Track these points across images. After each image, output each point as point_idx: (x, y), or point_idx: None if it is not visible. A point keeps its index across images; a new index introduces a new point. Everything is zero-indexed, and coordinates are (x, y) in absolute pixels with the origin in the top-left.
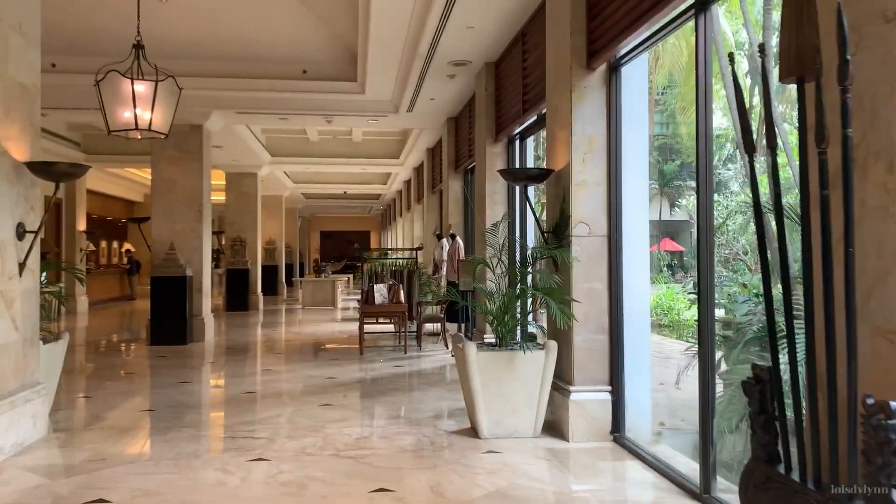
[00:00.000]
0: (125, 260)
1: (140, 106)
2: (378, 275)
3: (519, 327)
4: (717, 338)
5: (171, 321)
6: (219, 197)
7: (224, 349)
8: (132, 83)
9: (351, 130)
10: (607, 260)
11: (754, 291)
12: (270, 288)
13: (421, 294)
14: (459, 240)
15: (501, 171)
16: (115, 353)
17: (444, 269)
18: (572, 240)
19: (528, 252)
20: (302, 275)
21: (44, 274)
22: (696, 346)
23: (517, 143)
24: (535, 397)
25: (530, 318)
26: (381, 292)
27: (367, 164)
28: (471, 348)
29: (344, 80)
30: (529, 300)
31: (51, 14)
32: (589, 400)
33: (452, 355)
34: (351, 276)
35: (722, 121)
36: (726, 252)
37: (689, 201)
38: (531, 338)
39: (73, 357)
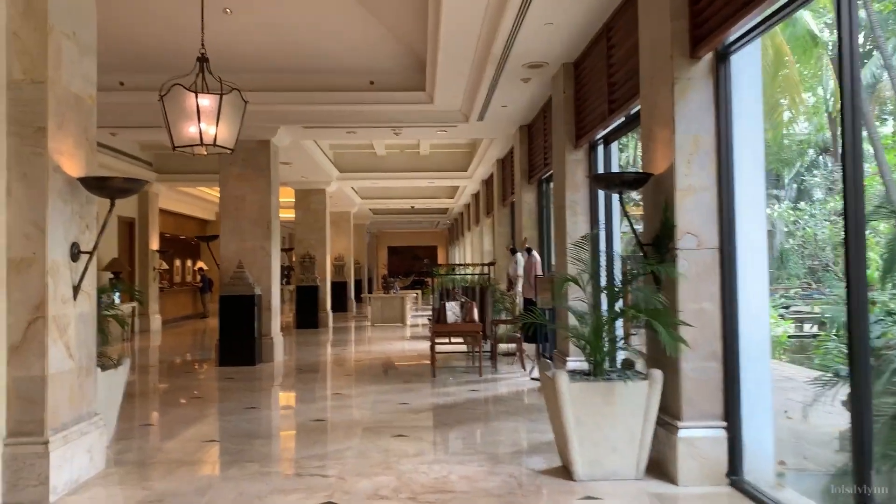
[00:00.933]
0: (198, 278)
1: (205, 120)
2: (449, 291)
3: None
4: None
5: (239, 341)
6: (288, 214)
7: (293, 370)
8: (196, 97)
9: (418, 143)
10: (719, 276)
11: (885, 310)
12: (340, 304)
13: (495, 312)
14: (536, 254)
15: (593, 177)
16: (183, 374)
17: (520, 285)
18: (677, 253)
19: (627, 268)
20: (370, 291)
21: (116, 293)
22: (829, 373)
23: (600, 148)
24: (637, 434)
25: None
26: (453, 310)
27: (435, 177)
28: (562, 379)
29: (412, 89)
30: (620, 322)
31: (117, 32)
32: (700, 437)
33: (532, 378)
34: (419, 292)
35: (804, 126)
36: (814, 263)
37: (774, 211)
38: (627, 365)
39: (142, 378)
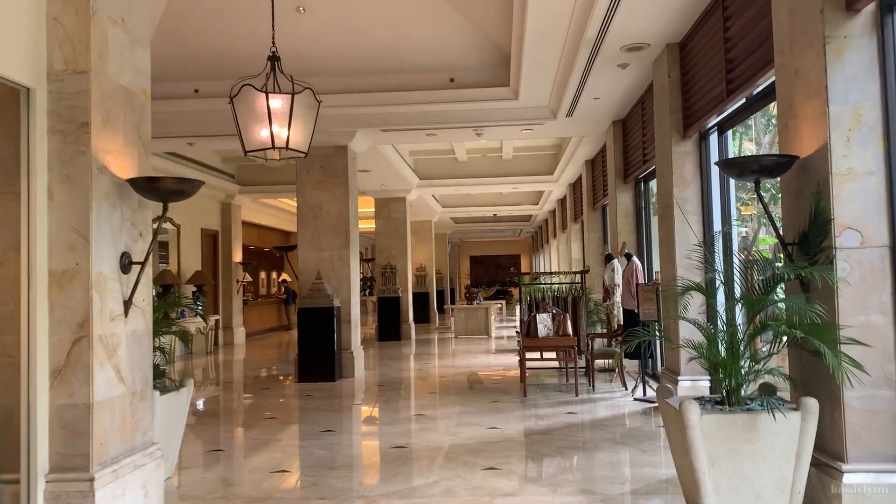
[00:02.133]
0: (282, 290)
1: (276, 122)
2: (538, 302)
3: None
4: None
5: (318, 356)
6: (368, 224)
7: (374, 386)
8: (267, 97)
9: (501, 147)
10: (891, 281)
11: None
12: (422, 315)
13: (589, 324)
14: (636, 260)
15: (723, 163)
16: (261, 390)
17: (618, 294)
18: (835, 253)
19: (769, 274)
20: (453, 301)
21: (199, 306)
22: None
23: (712, 137)
24: (787, 478)
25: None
26: (544, 323)
27: (519, 181)
28: (692, 410)
29: (495, 85)
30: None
31: (191, 38)
32: (872, 484)
33: (636, 399)
34: (504, 302)
35: None
36: None
37: None
38: (767, 391)
39: (217, 396)
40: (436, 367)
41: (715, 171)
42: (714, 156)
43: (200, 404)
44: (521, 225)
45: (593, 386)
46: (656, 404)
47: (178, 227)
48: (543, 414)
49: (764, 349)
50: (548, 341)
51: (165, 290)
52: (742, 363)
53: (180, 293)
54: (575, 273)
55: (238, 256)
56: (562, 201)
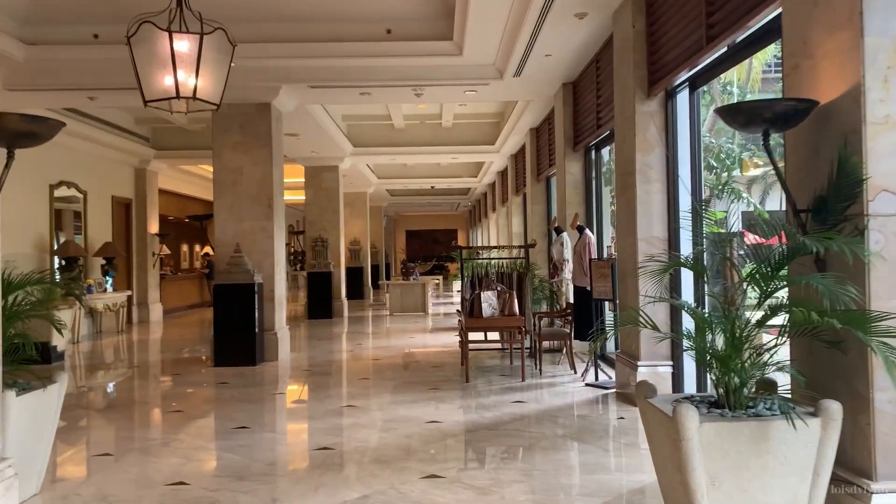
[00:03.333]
0: (204, 263)
1: (182, 68)
2: (480, 279)
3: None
4: None
5: (237, 338)
6: (298, 196)
7: (300, 372)
8: (171, 38)
9: (440, 113)
10: None
11: None
12: (356, 292)
13: (534, 302)
14: (590, 233)
15: (723, 111)
16: (171, 376)
17: (567, 270)
18: (868, 222)
19: (785, 247)
20: (388, 277)
21: (109, 280)
22: None
23: (682, 94)
24: (802, 499)
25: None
26: (489, 301)
27: (459, 151)
28: (689, 417)
29: (437, 38)
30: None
31: None
32: None
33: (588, 385)
34: (441, 278)
35: None
36: None
37: None
38: (765, 387)
39: (118, 385)
40: (369, 347)
41: (684, 134)
42: (683, 115)
43: (111, 388)
44: (459, 198)
45: (540, 370)
46: (611, 390)
47: (85, 195)
48: (488, 403)
49: (765, 339)
50: (493, 321)
51: (69, 263)
52: (743, 359)
53: (87, 266)
54: (520, 248)
55: (154, 227)
56: (502, 173)
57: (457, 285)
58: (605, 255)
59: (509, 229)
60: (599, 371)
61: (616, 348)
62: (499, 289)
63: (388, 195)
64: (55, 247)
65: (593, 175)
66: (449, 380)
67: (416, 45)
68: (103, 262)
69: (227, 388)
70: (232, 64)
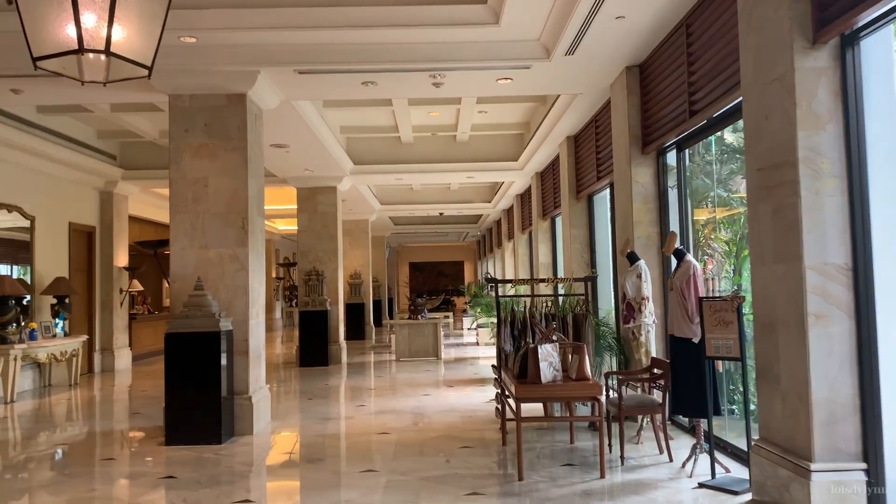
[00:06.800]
0: None
1: (90, 9)
2: (526, 323)
3: None
4: None
5: (197, 405)
6: (291, 225)
7: (280, 457)
8: None
9: (456, 123)
10: None
11: None
12: (356, 331)
13: (597, 356)
14: (694, 261)
15: None
16: (96, 467)
17: (648, 312)
18: None
19: None
20: (391, 314)
21: (58, 325)
22: None
23: (876, 39)
24: None
25: None
26: (549, 359)
27: (475, 169)
28: None
29: (466, 2)
30: None
31: None
32: None
33: (701, 485)
34: (451, 314)
35: None
36: None
37: None
38: None
39: (15, 485)
40: (374, 411)
41: (878, 103)
42: (877, 71)
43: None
44: (468, 228)
45: (622, 457)
46: (742, 497)
47: (32, 220)
48: None
49: None
50: (559, 389)
51: (2, 303)
52: None
53: (34, 307)
54: (582, 280)
55: (123, 260)
56: (522, 196)
57: (467, 322)
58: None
59: (533, 259)
60: (717, 464)
61: (749, 434)
62: (555, 338)
63: (391, 224)
64: None
65: (665, 185)
66: (491, 473)
67: (437, 9)
68: (53, 301)
69: (172, 491)
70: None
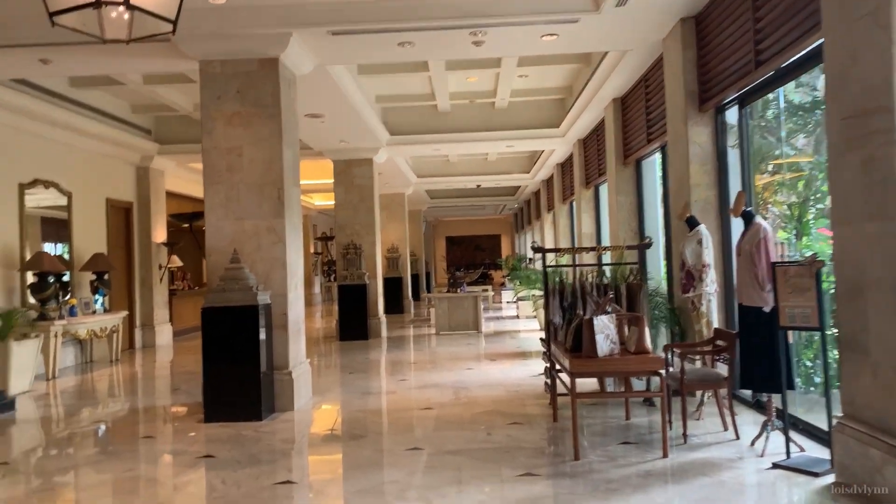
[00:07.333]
0: None
1: None
2: (577, 293)
3: None
4: None
5: (236, 381)
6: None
7: (321, 435)
8: None
9: (495, 90)
10: None
11: None
12: (394, 305)
13: (653, 327)
14: (765, 224)
15: None
16: (136, 445)
17: (710, 280)
18: None
19: None
20: (428, 288)
21: (98, 301)
22: None
23: None
24: None
25: None
26: (605, 331)
27: (514, 137)
28: None
29: None
30: None
31: None
32: None
33: (775, 465)
34: (489, 287)
35: None
36: None
37: None
38: None
39: (60, 463)
40: (415, 385)
41: None
42: None
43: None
44: (505, 200)
45: (685, 434)
46: (823, 479)
47: (70, 196)
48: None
49: None
50: (618, 364)
51: (43, 280)
52: None
53: (74, 284)
54: (628, 249)
55: (160, 236)
56: (563, 165)
57: (507, 295)
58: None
59: (575, 230)
60: (791, 442)
61: (829, 408)
62: (611, 308)
63: (427, 197)
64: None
65: (724, 145)
66: (542, 451)
67: None
68: (93, 277)
69: (211, 472)
70: None
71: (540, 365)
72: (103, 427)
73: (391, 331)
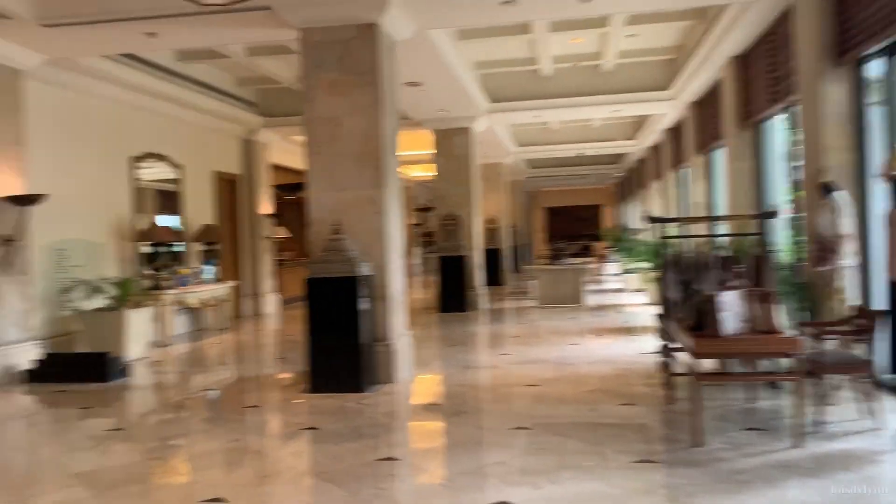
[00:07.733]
0: None
1: None
2: (699, 266)
3: None
4: None
5: (337, 352)
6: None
7: (423, 408)
8: None
9: (600, 51)
10: None
11: None
12: (493, 277)
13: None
14: None
15: None
16: (241, 416)
17: (849, 252)
18: None
19: None
20: (527, 259)
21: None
22: None
23: None
24: None
25: None
26: (733, 308)
27: (622, 101)
28: None
29: None
30: None
31: None
32: None
33: None
34: (593, 259)
35: None
36: None
37: None
38: None
39: (168, 428)
40: (518, 361)
41: None
42: None
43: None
44: (608, 169)
45: (820, 423)
46: None
47: (181, 169)
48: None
49: None
50: (748, 345)
51: (155, 250)
52: None
53: (186, 254)
54: (752, 218)
55: (266, 208)
56: (673, 130)
57: (609, 268)
58: None
59: (683, 200)
60: None
61: None
62: (739, 283)
63: (526, 167)
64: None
65: (869, 102)
66: (659, 436)
67: None
68: (203, 247)
69: (314, 445)
70: None
71: (648, 342)
72: (208, 396)
73: (490, 303)
